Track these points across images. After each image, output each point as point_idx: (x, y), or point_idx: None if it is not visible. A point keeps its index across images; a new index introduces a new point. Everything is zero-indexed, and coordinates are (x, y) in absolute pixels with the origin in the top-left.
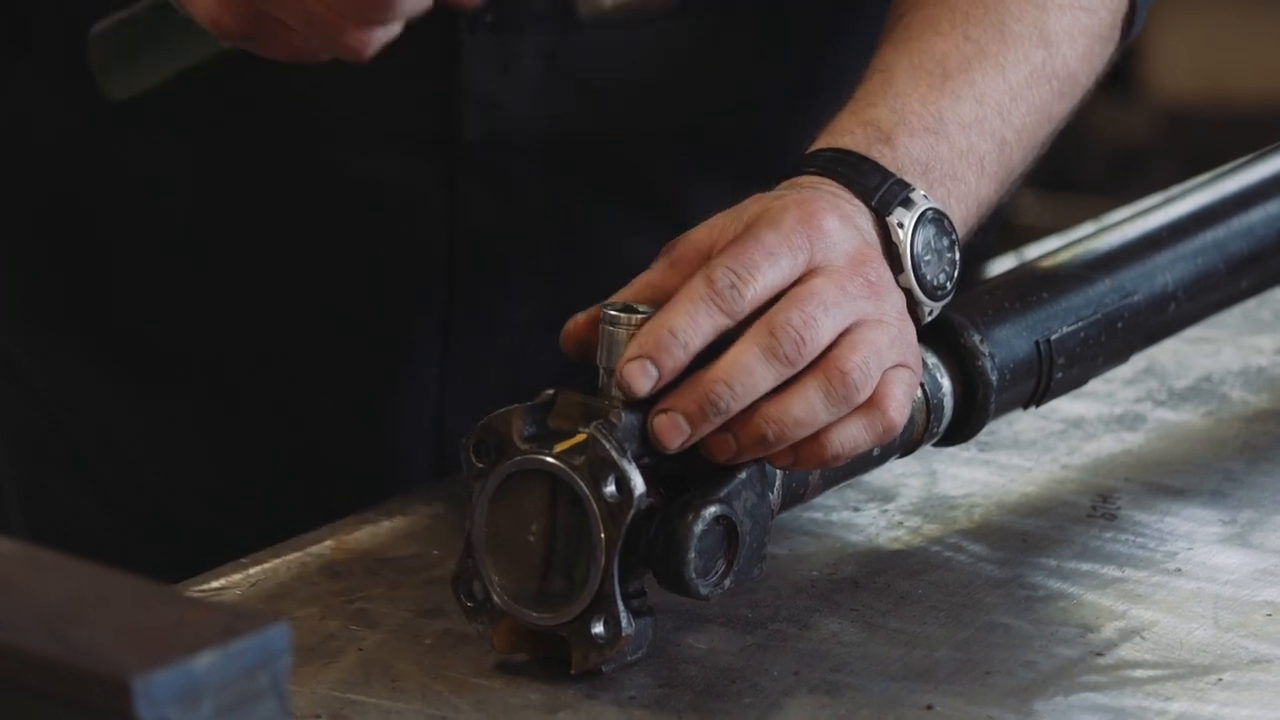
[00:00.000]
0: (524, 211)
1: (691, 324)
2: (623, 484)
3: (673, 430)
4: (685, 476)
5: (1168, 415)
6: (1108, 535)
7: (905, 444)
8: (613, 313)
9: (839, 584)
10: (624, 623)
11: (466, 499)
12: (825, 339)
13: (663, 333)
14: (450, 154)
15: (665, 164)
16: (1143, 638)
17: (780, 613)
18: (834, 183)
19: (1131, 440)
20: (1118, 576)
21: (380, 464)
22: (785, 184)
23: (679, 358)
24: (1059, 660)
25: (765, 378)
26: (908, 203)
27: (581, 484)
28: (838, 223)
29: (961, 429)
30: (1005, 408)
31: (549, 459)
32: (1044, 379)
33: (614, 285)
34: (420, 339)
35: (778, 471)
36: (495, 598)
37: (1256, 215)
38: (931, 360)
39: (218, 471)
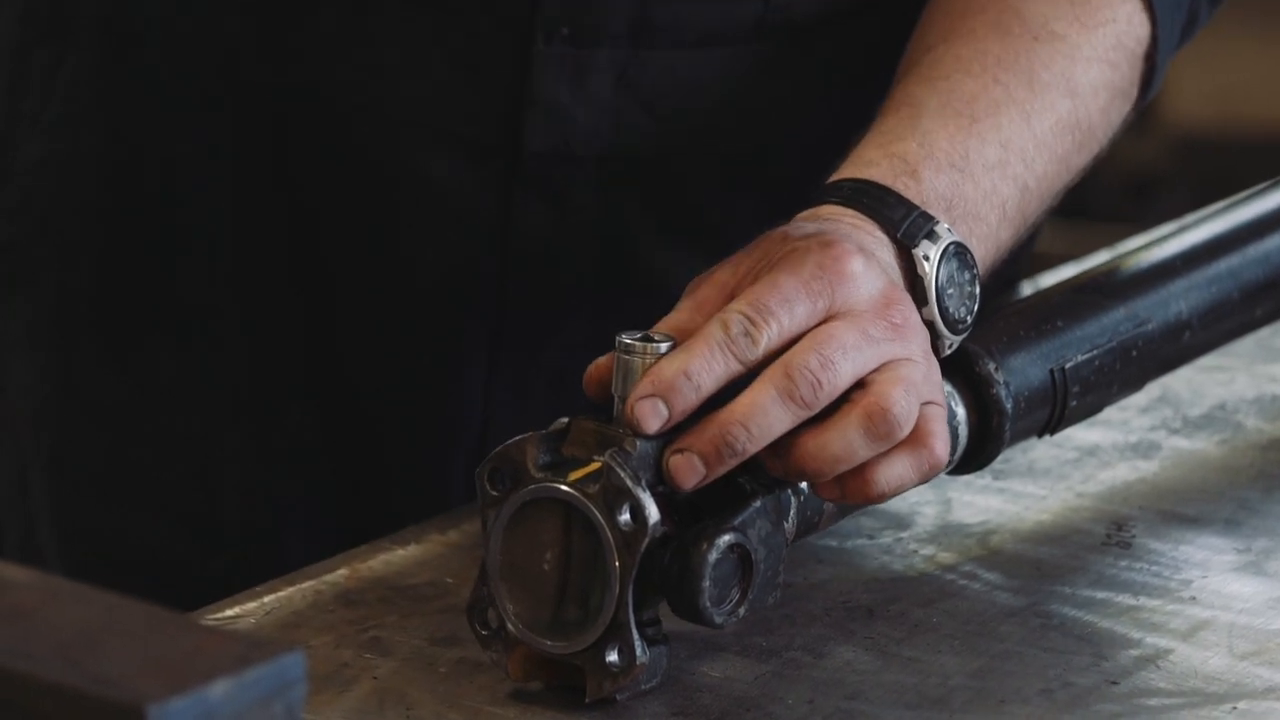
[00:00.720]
0: (576, 225)
1: (705, 367)
2: (637, 512)
3: (688, 471)
4: (700, 505)
5: (1182, 443)
6: (1122, 563)
7: None
8: (629, 341)
9: (854, 612)
10: (638, 651)
11: (481, 527)
12: (843, 383)
13: (677, 374)
14: (510, 163)
15: (715, 187)
16: (1158, 666)
17: (795, 641)
18: (858, 214)
19: (1146, 468)
20: (1132, 605)
21: (422, 477)
22: (807, 214)
23: (690, 400)
24: (1074, 689)
25: (781, 419)
26: (933, 235)
27: (596, 512)
28: (862, 265)
29: (976, 457)
30: (1020, 436)
31: (563, 487)
32: (1058, 407)
33: (655, 311)
34: (467, 349)
35: (792, 500)
36: (510, 626)
37: (1271, 243)
38: (946, 388)
39: (261, 476)
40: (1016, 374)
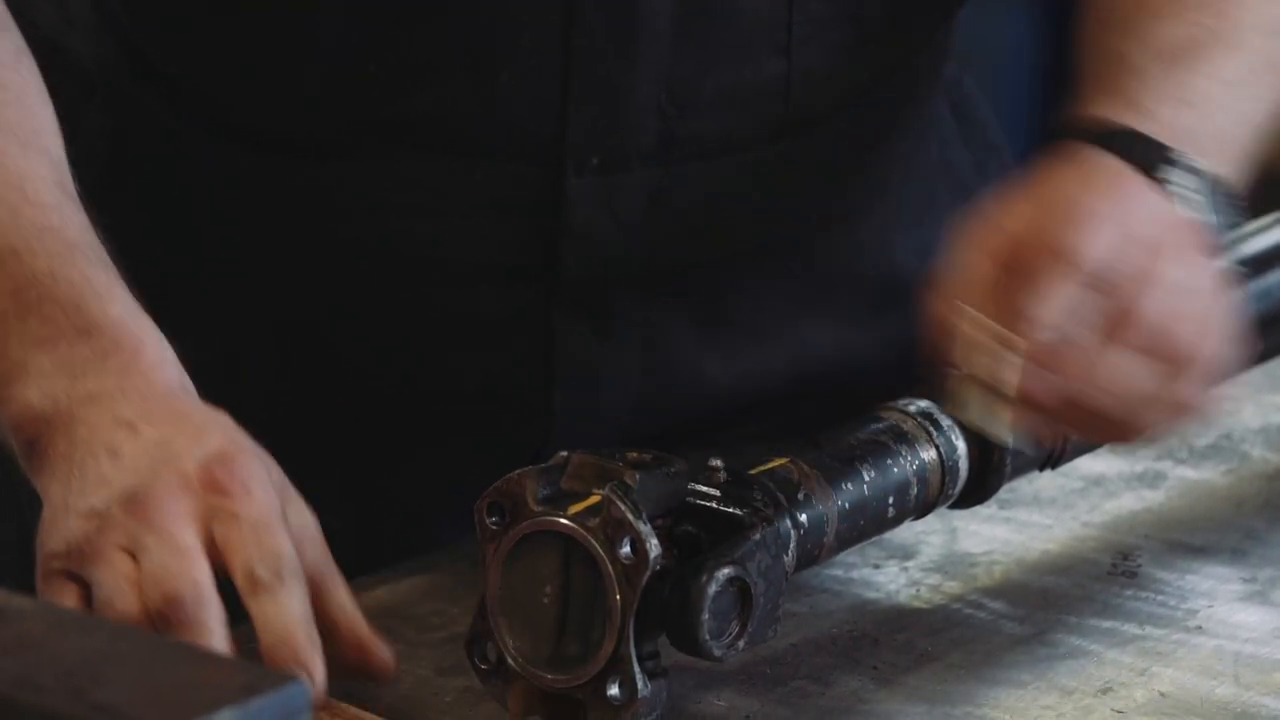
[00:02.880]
0: (615, 336)
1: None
2: (638, 545)
3: (1044, 433)
4: (699, 537)
5: (1188, 473)
6: (1128, 593)
7: (919, 506)
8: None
9: (859, 641)
10: (639, 685)
11: (480, 562)
12: (1190, 329)
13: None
14: (548, 287)
15: (749, 280)
16: (1164, 695)
17: (800, 670)
18: (1110, 155)
19: (1152, 498)
20: (1138, 634)
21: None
22: (1061, 157)
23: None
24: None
25: (1144, 380)
26: (1188, 169)
27: (596, 545)
28: (1150, 196)
29: (977, 491)
30: (1021, 470)
31: (564, 520)
32: (1061, 439)
33: (691, 408)
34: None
35: (792, 532)
36: (509, 660)
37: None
38: (946, 422)
39: None
40: None
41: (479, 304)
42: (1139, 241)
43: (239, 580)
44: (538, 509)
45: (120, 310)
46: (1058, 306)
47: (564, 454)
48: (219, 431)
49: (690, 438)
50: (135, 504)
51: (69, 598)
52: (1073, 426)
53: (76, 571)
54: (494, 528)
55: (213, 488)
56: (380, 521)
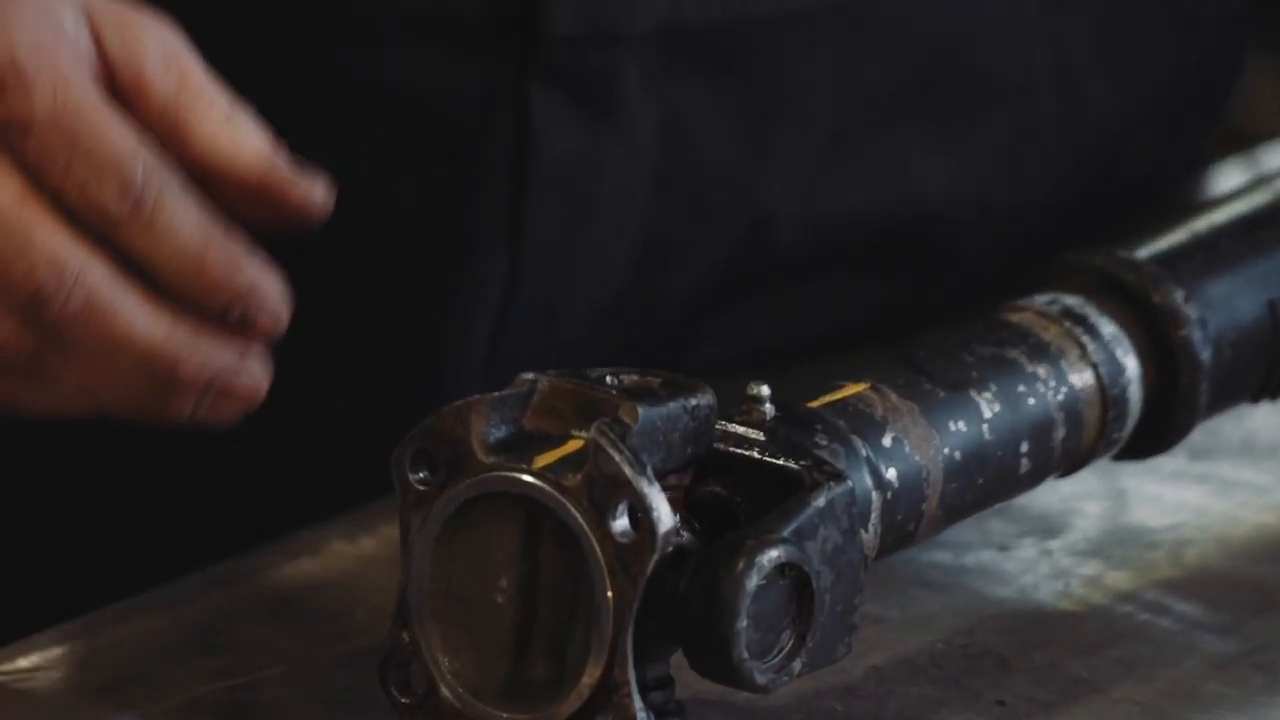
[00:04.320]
0: (617, 127)
1: None
2: (640, 516)
3: None
4: (733, 503)
5: None
6: None
7: (1069, 455)
8: None
9: (978, 663)
10: None
11: (401, 538)
12: None
13: None
14: (523, 53)
15: (811, 54)
16: None
17: (888, 707)
18: None
19: None
20: None
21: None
22: None
23: None
24: None
25: None
26: None
27: (577, 516)
28: None
29: (1157, 433)
30: (1224, 401)
31: (527, 478)
32: None
33: (716, 247)
34: (463, 320)
35: (874, 496)
36: (444, 690)
37: None
38: (1109, 329)
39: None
40: (1218, 308)
41: (430, 84)
42: None
43: (88, 220)
44: (488, 460)
45: None
46: None
47: (528, 376)
48: None
49: (714, 307)
50: None
51: None
52: None
53: None
54: (421, 488)
55: None
56: (245, 470)
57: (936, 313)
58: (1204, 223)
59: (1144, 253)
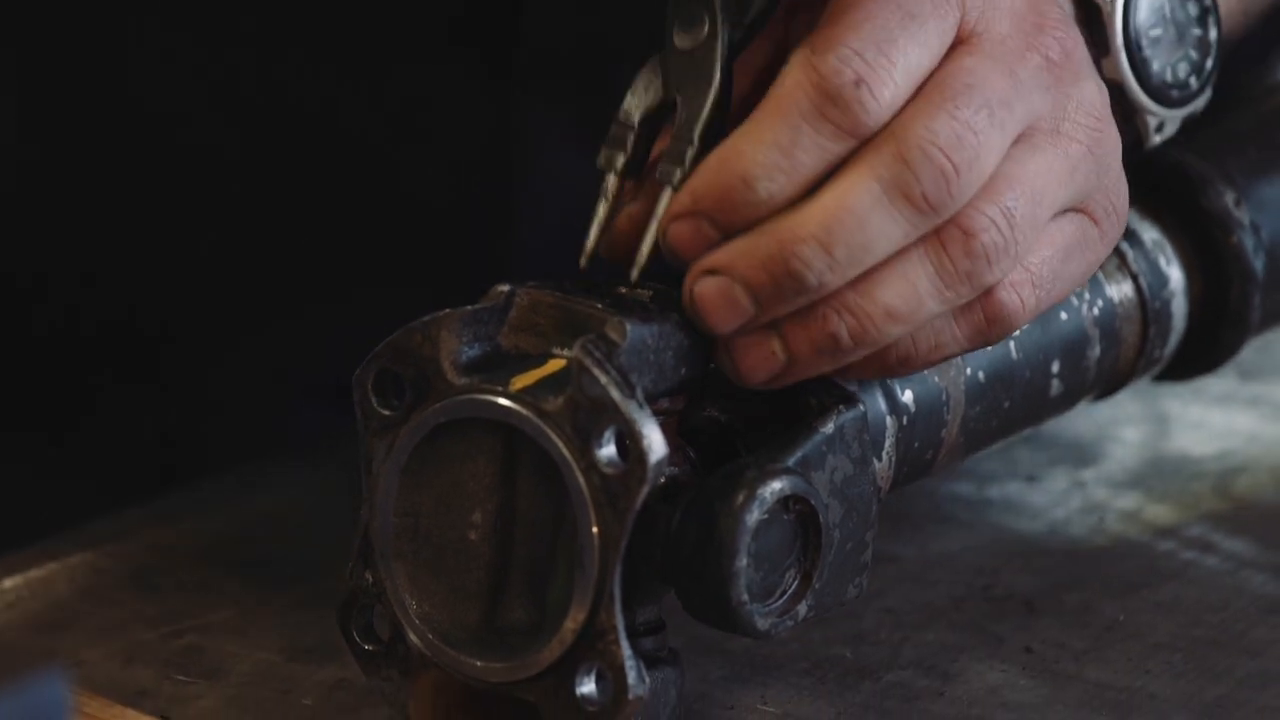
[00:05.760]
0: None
1: (784, 158)
2: (629, 443)
3: (725, 306)
4: (731, 429)
5: None
6: None
7: (1105, 375)
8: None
9: (1002, 605)
10: (631, 677)
11: (364, 468)
12: (990, 168)
13: (732, 177)
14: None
15: None
16: None
17: (903, 654)
18: None
19: None
20: None
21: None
22: None
23: (759, 214)
24: None
25: (887, 234)
26: None
27: (559, 443)
28: None
29: (1205, 351)
30: (1279, 315)
31: (503, 401)
32: None
33: None
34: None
35: (888, 420)
36: (412, 636)
37: None
38: (1150, 234)
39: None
40: (1272, 212)
41: (403, 87)
42: (949, 7)
43: None
44: (460, 381)
45: None
46: None
47: (503, 288)
48: None
49: None
50: None
51: None
52: None
53: None
54: (386, 413)
55: None
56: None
57: None
58: (1254, 122)
59: (1191, 147)
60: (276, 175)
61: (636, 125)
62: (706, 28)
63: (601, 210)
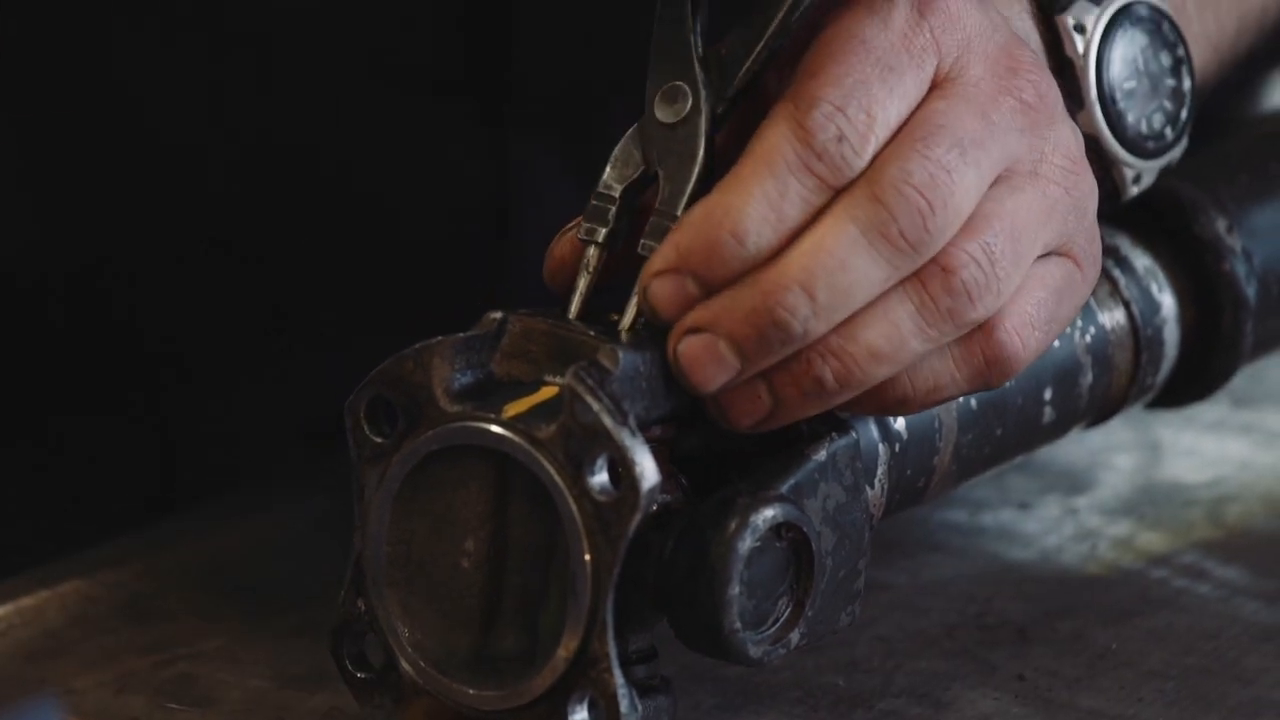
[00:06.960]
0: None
1: (772, 212)
2: (621, 470)
3: (710, 363)
4: (724, 455)
5: None
6: None
7: (1098, 402)
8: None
9: (994, 633)
10: (623, 705)
11: (356, 495)
12: (966, 206)
13: (721, 233)
14: (498, 102)
15: None
16: None
17: (895, 682)
18: None
19: None
20: None
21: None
22: None
23: (742, 269)
24: None
25: (869, 276)
26: None
27: (551, 470)
28: (968, 4)
29: (1197, 378)
30: (1271, 343)
31: (495, 428)
32: None
33: None
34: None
35: (880, 448)
36: (404, 664)
37: None
38: (1142, 261)
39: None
40: (1264, 239)
41: (406, 124)
42: (926, 55)
43: None
44: (452, 409)
45: None
46: None
47: (495, 315)
48: None
49: None
50: None
51: None
52: None
53: None
54: (378, 441)
55: None
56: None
57: None
58: (1251, 140)
59: (1183, 174)
60: (277, 221)
61: (618, 198)
62: (690, 102)
63: (582, 283)
